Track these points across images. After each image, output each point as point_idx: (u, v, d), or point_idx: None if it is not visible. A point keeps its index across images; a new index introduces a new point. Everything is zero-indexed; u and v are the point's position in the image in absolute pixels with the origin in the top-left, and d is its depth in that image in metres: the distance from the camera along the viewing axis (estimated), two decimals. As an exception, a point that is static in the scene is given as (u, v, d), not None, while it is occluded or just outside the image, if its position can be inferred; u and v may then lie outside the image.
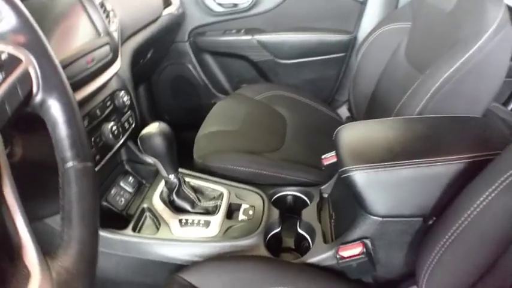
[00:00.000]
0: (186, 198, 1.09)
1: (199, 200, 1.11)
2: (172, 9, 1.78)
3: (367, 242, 0.88)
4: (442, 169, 0.81)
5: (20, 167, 0.71)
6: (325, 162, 1.14)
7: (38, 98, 0.57)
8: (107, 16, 1.17)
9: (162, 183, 1.15)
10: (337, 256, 0.88)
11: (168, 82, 2.11)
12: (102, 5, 1.16)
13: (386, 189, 0.83)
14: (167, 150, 1.00)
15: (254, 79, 2.09)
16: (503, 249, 0.66)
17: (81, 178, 0.57)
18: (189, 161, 1.31)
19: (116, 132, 1.07)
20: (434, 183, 0.81)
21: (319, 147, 1.25)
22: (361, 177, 0.83)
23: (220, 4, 1.94)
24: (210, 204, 1.11)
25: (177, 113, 2.20)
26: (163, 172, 1.04)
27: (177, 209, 1.10)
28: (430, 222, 0.84)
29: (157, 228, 1.06)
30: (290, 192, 1.23)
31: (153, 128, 0.99)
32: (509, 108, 2.57)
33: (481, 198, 0.67)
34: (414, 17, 1.43)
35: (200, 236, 1.03)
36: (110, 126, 1.05)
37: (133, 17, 1.41)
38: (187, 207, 1.08)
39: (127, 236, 1.03)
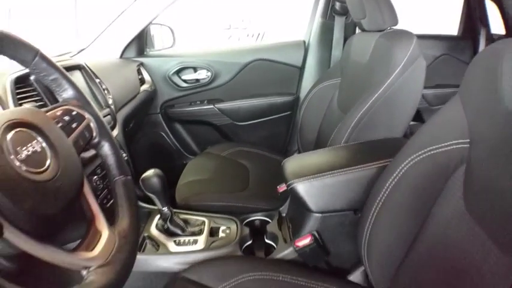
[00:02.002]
0: (177, 225, 1.40)
1: (187, 227, 1.43)
2: (146, 87, 2.15)
3: (315, 233, 1.20)
4: (357, 174, 1.16)
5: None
6: (280, 190, 1.49)
7: (96, 140, 0.92)
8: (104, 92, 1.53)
9: (156, 218, 1.47)
10: (295, 247, 1.21)
11: (145, 149, 2.41)
12: (100, 84, 1.52)
13: (320, 192, 1.17)
14: (162, 188, 1.32)
15: (218, 140, 2.45)
16: (420, 220, 0.90)
17: (125, 185, 0.91)
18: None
19: (120, 180, 1.40)
20: (353, 184, 1.16)
21: (275, 186, 1.57)
22: (301, 186, 1.17)
23: (185, 81, 2.33)
24: (196, 228, 1.43)
25: (154, 175, 2.49)
26: (159, 205, 1.35)
27: (171, 234, 1.40)
28: (360, 214, 1.16)
29: (157, 249, 1.36)
30: (256, 217, 1.56)
31: (151, 172, 1.32)
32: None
33: (383, 190, 0.98)
34: (342, 73, 1.81)
35: (191, 249, 1.34)
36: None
37: (120, 93, 1.76)
38: (179, 231, 1.39)
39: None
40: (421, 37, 2.39)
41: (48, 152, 0.69)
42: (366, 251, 1.03)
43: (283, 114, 2.39)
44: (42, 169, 0.66)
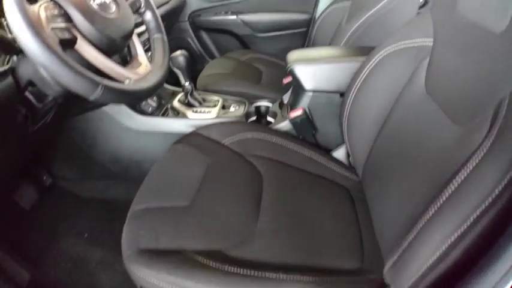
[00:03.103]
0: (195, 99, 1.69)
1: (204, 102, 1.72)
2: (178, -5, 2.40)
3: (306, 108, 1.47)
4: (346, 64, 1.39)
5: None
6: (285, 81, 1.75)
7: (143, 9, 1.19)
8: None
9: (179, 95, 1.76)
10: (289, 117, 1.48)
11: (173, 51, 2.68)
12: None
13: (313, 74, 1.43)
14: (186, 65, 1.61)
15: (237, 48, 2.71)
16: (389, 104, 1.09)
17: (162, 40, 1.20)
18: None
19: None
20: (342, 71, 1.39)
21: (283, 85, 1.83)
22: (298, 67, 1.43)
23: (213, -7, 2.58)
24: (211, 103, 1.72)
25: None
26: (182, 80, 1.64)
27: (190, 106, 1.69)
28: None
29: (177, 115, 1.65)
30: (262, 103, 1.83)
31: (178, 52, 1.60)
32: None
33: (361, 74, 1.21)
34: (353, -3, 2.03)
35: (205, 117, 1.63)
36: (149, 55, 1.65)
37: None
38: (196, 104, 1.69)
39: (159, 118, 1.64)
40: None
41: (114, 5, 0.98)
42: (347, 128, 1.27)
43: (299, 30, 2.61)
44: (110, 12, 0.95)
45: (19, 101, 1.07)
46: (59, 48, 0.80)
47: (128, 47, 1.12)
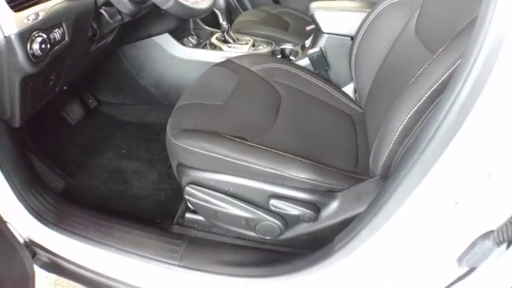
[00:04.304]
0: (231, 37, 1.99)
1: (237, 40, 2.02)
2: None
3: (322, 47, 1.75)
4: (358, 14, 1.65)
5: None
6: (307, 28, 2.03)
7: None
8: None
9: (216, 34, 2.06)
10: (307, 54, 1.77)
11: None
12: None
13: (329, 19, 1.71)
14: (225, 7, 1.90)
15: (269, 3, 2.99)
16: (387, 48, 1.35)
17: None
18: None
19: None
20: (354, 19, 1.65)
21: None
22: (317, 13, 1.72)
23: None
24: (243, 42, 2.02)
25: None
26: (221, 19, 1.94)
27: (225, 42, 2.00)
28: (354, 42, 1.70)
29: (213, 49, 1.97)
30: (287, 46, 2.12)
31: (219, -5, 1.90)
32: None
33: (366, 22, 1.49)
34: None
35: (238, 51, 1.94)
36: None
37: None
38: (231, 41, 1.99)
39: (199, 49, 1.97)
40: None
41: None
42: (354, 66, 1.57)
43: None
44: None
45: (94, 18, 1.36)
46: None
47: None
